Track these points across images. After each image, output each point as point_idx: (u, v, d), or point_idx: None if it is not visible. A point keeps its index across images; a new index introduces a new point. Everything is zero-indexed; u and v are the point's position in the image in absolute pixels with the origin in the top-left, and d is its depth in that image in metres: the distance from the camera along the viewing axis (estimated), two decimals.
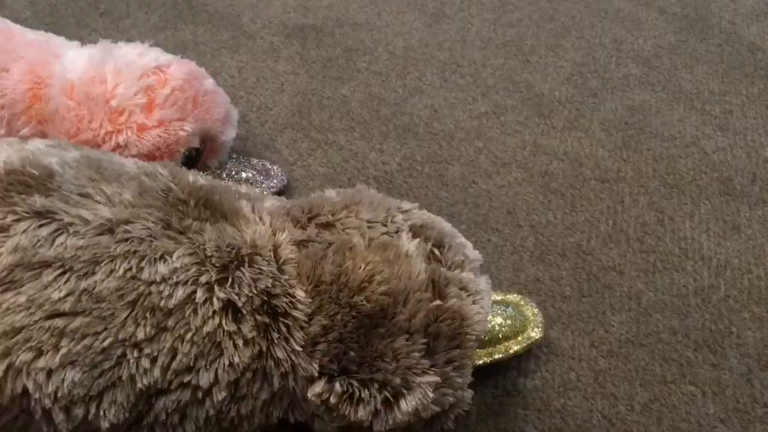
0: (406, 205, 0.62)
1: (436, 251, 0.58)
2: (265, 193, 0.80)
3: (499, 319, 0.67)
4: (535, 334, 0.68)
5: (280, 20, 1.12)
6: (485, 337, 0.66)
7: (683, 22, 1.14)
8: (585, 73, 1.04)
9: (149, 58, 0.75)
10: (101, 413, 0.49)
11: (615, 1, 1.18)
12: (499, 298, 0.70)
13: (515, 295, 0.70)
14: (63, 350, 0.48)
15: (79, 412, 0.49)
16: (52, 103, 0.74)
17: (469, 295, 0.57)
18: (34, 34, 0.80)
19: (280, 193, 0.85)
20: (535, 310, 0.69)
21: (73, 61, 0.75)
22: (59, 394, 0.48)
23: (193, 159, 0.79)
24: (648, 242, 0.82)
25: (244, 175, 0.85)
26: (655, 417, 0.67)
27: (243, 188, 0.62)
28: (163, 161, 0.70)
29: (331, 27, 1.11)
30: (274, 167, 0.86)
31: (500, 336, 0.67)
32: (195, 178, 0.59)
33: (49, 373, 0.48)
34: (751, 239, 0.82)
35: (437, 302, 0.55)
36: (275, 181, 0.85)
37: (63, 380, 0.48)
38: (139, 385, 0.49)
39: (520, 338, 0.67)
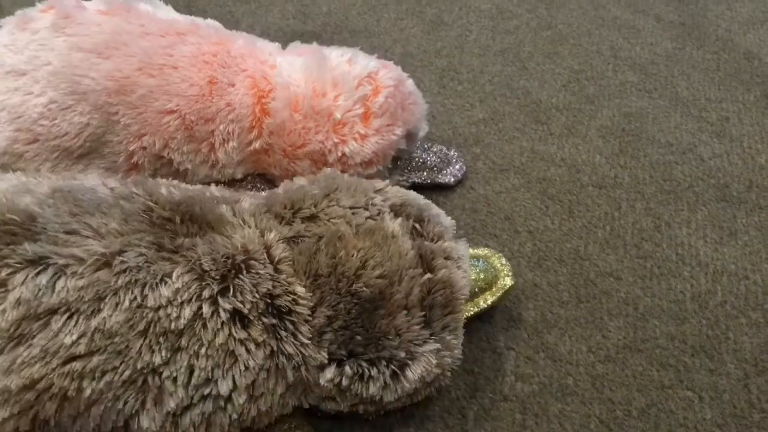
0: (379, 184, 0.64)
1: (418, 226, 0.62)
2: (450, 180, 0.87)
3: (473, 275, 0.69)
4: (507, 282, 0.71)
5: (278, 27, 1.13)
6: None
7: (680, 29, 1.15)
8: (582, 80, 1.05)
9: (360, 66, 0.77)
10: None
11: (612, 8, 1.19)
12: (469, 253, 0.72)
13: (483, 249, 0.73)
14: (87, 392, 0.48)
15: None
16: (279, 116, 0.76)
17: (453, 262, 0.61)
18: (242, 38, 0.81)
19: (458, 182, 0.88)
20: (503, 261, 0.72)
21: (291, 72, 0.77)
22: (85, 430, 0.49)
23: (396, 157, 0.82)
24: (645, 248, 0.82)
25: (429, 161, 0.88)
26: (652, 422, 0.67)
27: (216, 191, 0.62)
28: (136, 177, 0.68)
29: (330, 34, 1.12)
30: (452, 152, 0.90)
31: (476, 290, 0.70)
32: (168, 190, 0.59)
33: (76, 417, 0.48)
34: (747, 245, 0.83)
35: (428, 276, 0.59)
36: (456, 167, 0.88)
37: (89, 418, 0.49)
38: (165, 408, 0.50)
39: (494, 289, 0.70)
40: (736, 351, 0.72)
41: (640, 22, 1.16)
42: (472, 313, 0.69)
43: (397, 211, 0.61)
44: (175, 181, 0.62)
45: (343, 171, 0.76)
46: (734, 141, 0.96)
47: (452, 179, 0.87)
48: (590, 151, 0.94)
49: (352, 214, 0.59)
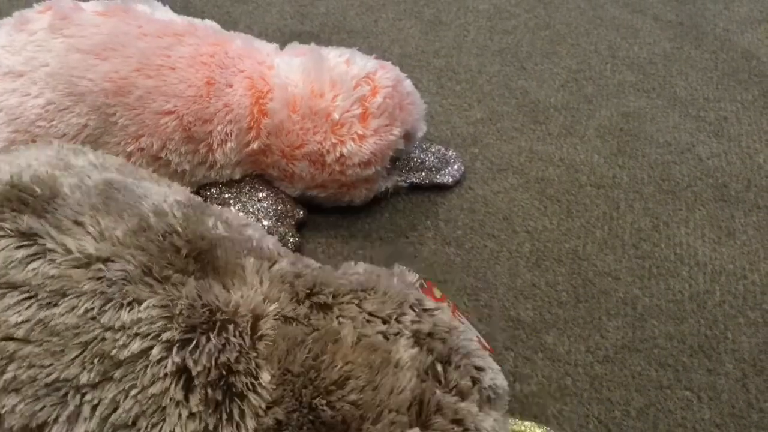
0: (429, 304, 0.54)
1: (439, 368, 0.50)
2: (448, 180, 0.87)
3: None
4: None
5: (276, 27, 1.12)
6: None
7: (678, 29, 1.15)
8: (580, 80, 1.05)
9: (358, 67, 0.77)
10: None
11: (610, 8, 1.19)
12: (521, 428, 0.62)
13: (545, 428, 0.61)
14: (9, 374, 0.47)
15: None
16: (277, 117, 0.75)
17: (463, 431, 0.48)
18: (240, 39, 0.80)
19: (457, 182, 0.88)
20: None
21: (288, 73, 0.77)
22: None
23: (394, 158, 0.81)
24: (643, 248, 0.82)
25: (428, 162, 0.87)
26: (651, 422, 0.67)
27: (269, 242, 0.58)
28: (203, 204, 0.63)
29: (328, 34, 1.12)
30: (450, 152, 0.89)
31: None
32: (214, 224, 0.55)
33: None
34: (745, 245, 0.83)
35: (415, 430, 0.47)
36: (454, 167, 0.88)
37: (4, 405, 0.47)
38: (76, 430, 0.47)
39: None
40: (734, 351, 0.73)
41: (638, 21, 1.16)
42: None
43: (419, 339, 0.51)
44: (239, 216, 0.60)
45: (341, 172, 0.76)
46: (732, 140, 0.96)
47: (450, 179, 0.87)
48: (588, 150, 0.94)
49: (367, 321, 0.51)
